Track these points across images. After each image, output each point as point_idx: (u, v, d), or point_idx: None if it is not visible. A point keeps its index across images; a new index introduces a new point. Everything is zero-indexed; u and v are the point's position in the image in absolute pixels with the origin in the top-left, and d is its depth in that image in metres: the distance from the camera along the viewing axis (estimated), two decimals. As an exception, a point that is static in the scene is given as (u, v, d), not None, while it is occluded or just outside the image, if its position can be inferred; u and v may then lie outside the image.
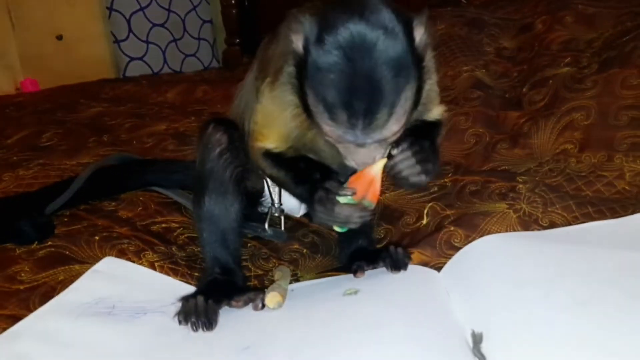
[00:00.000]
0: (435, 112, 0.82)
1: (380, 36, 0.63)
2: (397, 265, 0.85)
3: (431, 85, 0.77)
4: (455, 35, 1.64)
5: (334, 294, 0.80)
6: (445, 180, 1.13)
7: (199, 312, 0.74)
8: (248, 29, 2.81)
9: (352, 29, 0.63)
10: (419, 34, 0.67)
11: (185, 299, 0.77)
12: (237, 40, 2.84)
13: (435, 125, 0.82)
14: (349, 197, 0.71)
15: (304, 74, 0.66)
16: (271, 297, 0.78)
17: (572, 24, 1.45)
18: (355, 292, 0.79)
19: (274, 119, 0.77)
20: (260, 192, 0.97)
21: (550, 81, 1.26)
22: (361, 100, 0.63)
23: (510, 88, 1.39)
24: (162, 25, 2.81)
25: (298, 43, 0.66)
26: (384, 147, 0.70)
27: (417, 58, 0.66)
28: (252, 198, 0.95)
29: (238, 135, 0.87)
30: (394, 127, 0.66)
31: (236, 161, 0.84)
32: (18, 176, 1.22)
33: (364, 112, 0.63)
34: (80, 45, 2.54)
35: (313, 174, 0.77)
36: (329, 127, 0.66)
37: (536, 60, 1.42)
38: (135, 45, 2.70)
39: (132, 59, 2.71)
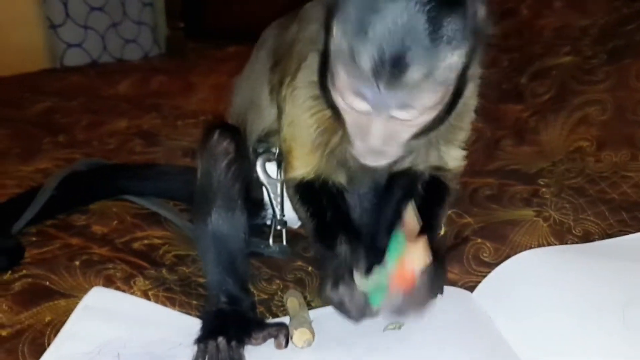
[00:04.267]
0: (459, 152, 0.71)
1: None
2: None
3: (471, 95, 0.67)
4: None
5: (371, 327, 0.69)
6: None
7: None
8: (192, 13, 2.61)
9: None
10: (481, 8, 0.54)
11: (203, 342, 0.65)
12: (181, 25, 2.64)
13: (442, 194, 0.72)
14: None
15: (332, 22, 0.53)
16: (299, 335, 0.66)
17: (561, 9, 1.39)
18: (399, 327, 0.68)
19: (300, 128, 0.64)
20: (260, 202, 0.84)
21: (554, 72, 1.19)
22: (398, 47, 0.48)
23: (504, 78, 1.31)
24: (100, 9, 2.57)
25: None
26: (407, 131, 0.56)
27: (474, 32, 0.53)
28: (252, 210, 0.83)
29: (243, 142, 0.74)
30: (427, 95, 0.52)
31: (244, 172, 0.72)
32: (-29, 190, 1.04)
33: (394, 57, 0.48)
34: (12, 31, 2.26)
35: (339, 232, 0.66)
36: (346, 77, 0.52)
37: (528, 48, 1.35)
38: (73, 30, 2.44)
39: (69, 45, 2.45)
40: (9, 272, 0.79)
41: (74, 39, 2.45)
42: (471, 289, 0.78)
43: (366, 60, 0.49)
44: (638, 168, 0.95)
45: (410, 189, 0.71)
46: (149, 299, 0.77)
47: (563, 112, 1.09)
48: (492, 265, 0.80)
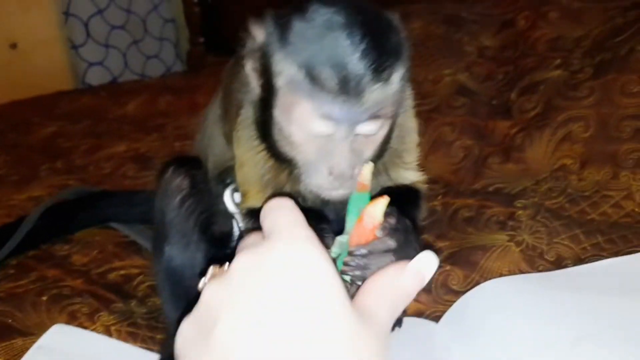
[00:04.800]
0: (412, 173, 0.70)
1: (363, 10, 0.54)
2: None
3: (408, 116, 0.67)
4: (432, 34, 1.53)
5: None
6: (435, 203, 1.03)
7: None
8: (212, 28, 2.66)
9: (332, 6, 0.53)
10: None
11: None
12: (201, 40, 2.69)
13: (414, 196, 0.70)
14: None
15: (270, 62, 0.55)
16: None
17: (557, 20, 1.36)
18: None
19: (248, 169, 0.66)
20: (230, 234, 0.86)
21: (542, 87, 1.17)
22: (352, 59, 0.51)
23: (497, 93, 1.29)
24: (121, 28, 2.66)
25: (259, 33, 0.56)
26: (369, 148, 0.58)
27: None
28: (221, 242, 0.84)
29: (202, 174, 0.75)
30: (387, 104, 0.54)
31: (201, 206, 0.73)
32: (-38, 219, 1.08)
33: (356, 71, 0.51)
34: (36, 53, 2.40)
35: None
36: (308, 102, 0.53)
37: (522, 61, 1.32)
38: (94, 49, 2.55)
39: (91, 64, 2.56)
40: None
41: (95, 58, 2.55)
42: (438, 319, 0.77)
43: (331, 79, 0.51)
44: (619, 187, 0.92)
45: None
46: (110, 334, 0.78)
47: (548, 129, 1.06)
48: (460, 294, 0.79)
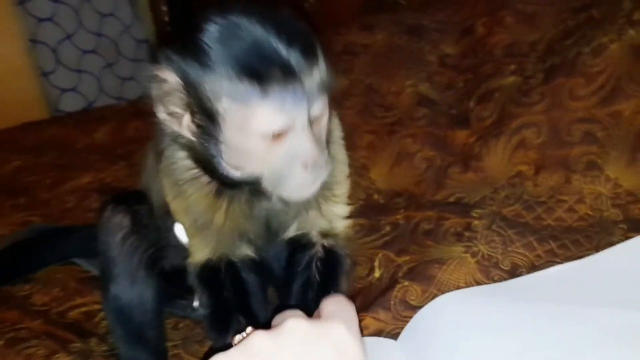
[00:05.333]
0: (341, 207, 0.72)
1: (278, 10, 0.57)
2: None
3: (337, 148, 0.69)
4: (395, 45, 1.54)
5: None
6: (398, 216, 1.03)
7: None
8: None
9: (230, 11, 0.55)
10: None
11: None
12: (175, 58, 2.69)
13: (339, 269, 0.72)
14: None
15: (198, 96, 0.55)
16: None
17: (513, 25, 1.38)
18: None
19: (181, 214, 0.65)
20: (182, 267, 0.85)
21: (497, 94, 1.18)
22: (280, 47, 0.53)
23: (457, 102, 1.30)
24: (93, 52, 2.64)
25: (169, 75, 0.56)
26: (322, 132, 0.61)
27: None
28: (173, 276, 0.83)
29: (146, 210, 0.75)
30: (323, 90, 0.57)
31: (145, 243, 0.73)
32: None
33: (290, 54, 0.53)
34: (6, 83, 2.36)
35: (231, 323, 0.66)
36: (263, 109, 0.54)
37: (480, 68, 1.34)
38: (66, 76, 2.53)
39: (63, 90, 2.54)
40: None
41: (67, 84, 2.53)
42: (397, 336, 0.77)
43: (272, 74, 0.53)
44: (572, 191, 0.93)
45: (308, 270, 0.71)
46: (66, 377, 0.76)
47: (503, 137, 1.07)
48: (418, 309, 0.78)
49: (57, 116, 2.25)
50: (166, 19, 2.58)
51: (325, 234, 0.72)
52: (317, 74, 0.56)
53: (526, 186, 0.98)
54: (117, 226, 0.71)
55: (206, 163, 0.61)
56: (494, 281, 0.82)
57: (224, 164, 0.59)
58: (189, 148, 0.61)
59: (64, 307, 0.92)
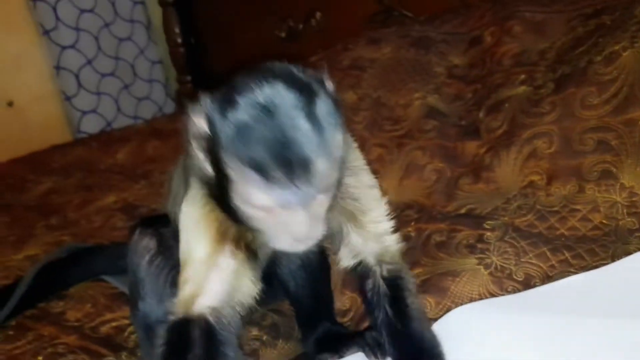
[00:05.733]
0: (383, 225, 0.73)
1: (295, 86, 0.56)
2: (380, 351, 0.76)
3: (362, 176, 0.72)
4: (402, 58, 1.57)
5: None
6: (409, 229, 1.05)
7: None
8: (198, 65, 2.74)
9: (264, 85, 0.56)
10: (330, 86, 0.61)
11: None
12: (189, 78, 2.76)
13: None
14: None
15: (217, 151, 0.57)
16: None
17: (521, 34, 1.38)
18: None
19: (196, 241, 0.68)
20: None
21: (507, 105, 1.19)
22: (293, 145, 0.54)
23: (466, 113, 1.31)
24: (111, 75, 2.73)
25: (201, 123, 0.58)
26: (323, 208, 0.61)
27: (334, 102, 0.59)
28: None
29: (171, 232, 0.78)
30: (333, 174, 0.58)
31: (170, 263, 0.76)
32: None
33: (300, 157, 0.54)
34: (32, 108, 2.46)
35: None
36: (262, 194, 0.56)
37: (489, 78, 1.35)
38: (87, 98, 2.61)
39: (84, 113, 2.62)
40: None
41: (88, 107, 2.61)
42: (412, 347, 0.79)
43: (278, 174, 0.54)
44: (585, 200, 0.94)
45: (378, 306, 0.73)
46: (102, 388, 0.81)
47: (514, 147, 1.08)
48: (432, 322, 0.80)
49: (81, 138, 2.33)
50: (179, 40, 2.66)
51: (381, 258, 0.73)
52: (328, 171, 0.56)
53: (539, 196, 0.99)
54: (144, 249, 0.75)
55: (220, 200, 0.64)
56: (508, 292, 0.83)
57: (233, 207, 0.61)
58: (208, 184, 0.63)
59: (96, 323, 0.96)
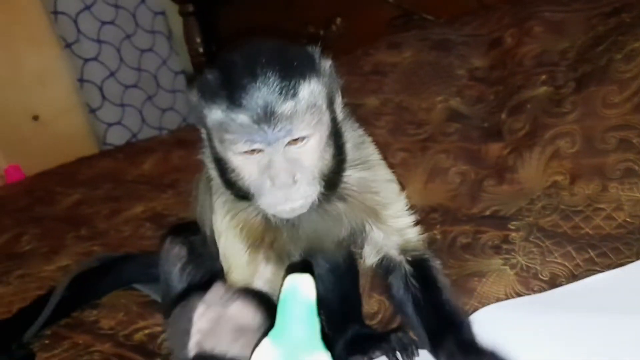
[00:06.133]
0: (404, 220, 0.76)
1: (272, 44, 0.65)
2: (406, 354, 0.77)
3: (379, 170, 0.73)
4: (423, 61, 1.58)
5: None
6: (435, 231, 1.06)
7: None
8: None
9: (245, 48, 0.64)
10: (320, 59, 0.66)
11: None
12: (211, 87, 2.80)
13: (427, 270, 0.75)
14: None
15: (202, 113, 0.63)
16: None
17: (541, 34, 1.39)
18: None
19: (232, 241, 0.70)
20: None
21: (528, 106, 1.19)
22: (259, 86, 0.59)
23: (488, 115, 1.32)
24: (135, 86, 2.77)
25: (192, 96, 0.65)
26: (306, 157, 0.64)
27: (319, 71, 0.65)
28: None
29: (200, 239, 0.81)
30: (302, 119, 0.61)
31: (201, 270, 0.79)
32: (-2, 296, 1.17)
33: (259, 99, 0.59)
34: (57, 121, 2.52)
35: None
36: (234, 135, 0.61)
37: (511, 79, 1.35)
38: (111, 110, 2.66)
39: (110, 125, 2.67)
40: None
41: (112, 119, 2.66)
42: (440, 348, 0.80)
43: (241, 113, 0.59)
44: (610, 199, 0.94)
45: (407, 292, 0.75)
46: (136, 395, 0.83)
47: (537, 148, 1.09)
48: (459, 322, 0.81)
49: (107, 150, 2.38)
50: (200, 50, 2.70)
51: (404, 250, 0.76)
52: (292, 113, 0.60)
53: (562, 196, 0.99)
54: (176, 257, 0.77)
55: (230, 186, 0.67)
56: (534, 292, 0.83)
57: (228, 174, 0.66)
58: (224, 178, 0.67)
59: (129, 330, 0.98)
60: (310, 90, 0.62)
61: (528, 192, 1.05)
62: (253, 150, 0.62)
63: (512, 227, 0.96)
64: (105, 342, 0.95)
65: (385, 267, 0.77)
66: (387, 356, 0.79)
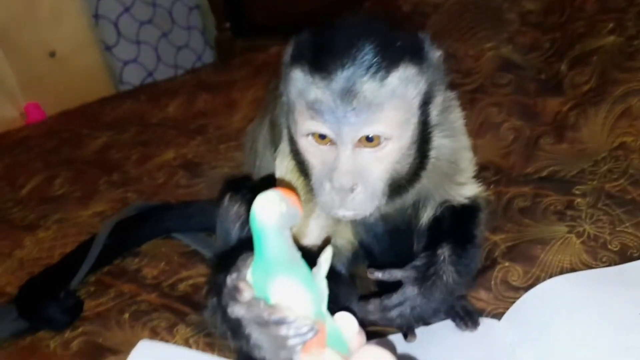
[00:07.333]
0: (469, 189, 0.72)
1: (380, 21, 0.60)
2: (471, 320, 0.74)
3: (459, 135, 0.69)
4: (469, 3, 1.46)
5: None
6: (488, 192, 1.00)
7: None
8: (237, 11, 2.65)
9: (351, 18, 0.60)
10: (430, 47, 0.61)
11: None
12: (228, 25, 2.69)
13: (471, 214, 0.72)
14: None
15: (286, 70, 0.60)
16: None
17: (606, -25, 1.27)
18: None
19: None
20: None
21: (595, 57, 1.10)
22: (348, 55, 0.55)
23: (545, 65, 1.23)
24: (149, 22, 2.69)
25: (285, 55, 0.61)
26: (377, 165, 0.58)
27: (423, 60, 0.59)
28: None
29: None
30: (384, 109, 0.55)
31: None
32: (38, 240, 1.17)
33: (350, 67, 0.54)
34: (74, 58, 2.45)
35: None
36: (308, 104, 0.56)
37: (570, 26, 1.25)
38: (127, 48, 2.60)
39: (125, 62, 2.61)
40: (70, 329, 0.88)
41: (128, 56, 2.61)
42: (500, 315, 0.77)
43: (320, 78, 0.55)
44: (686, 164, 0.87)
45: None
46: (190, 346, 0.82)
47: (604, 105, 1.01)
48: (520, 290, 0.78)
49: (128, 91, 2.31)
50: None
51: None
52: (373, 96, 0.54)
53: (631, 159, 0.92)
54: (236, 215, 0.74)
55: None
56: (602, 262, 0.79)
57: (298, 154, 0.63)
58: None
59: (173, 280, 0.97)
60: (405, 77, 0.56)
61: (591, 153, 0.98)
62: (323, 138, 0.57)
63: (577, 192, 0.90)
64: (150, 292, 0.94)
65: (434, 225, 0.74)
66: (453, 319, 0.76)
